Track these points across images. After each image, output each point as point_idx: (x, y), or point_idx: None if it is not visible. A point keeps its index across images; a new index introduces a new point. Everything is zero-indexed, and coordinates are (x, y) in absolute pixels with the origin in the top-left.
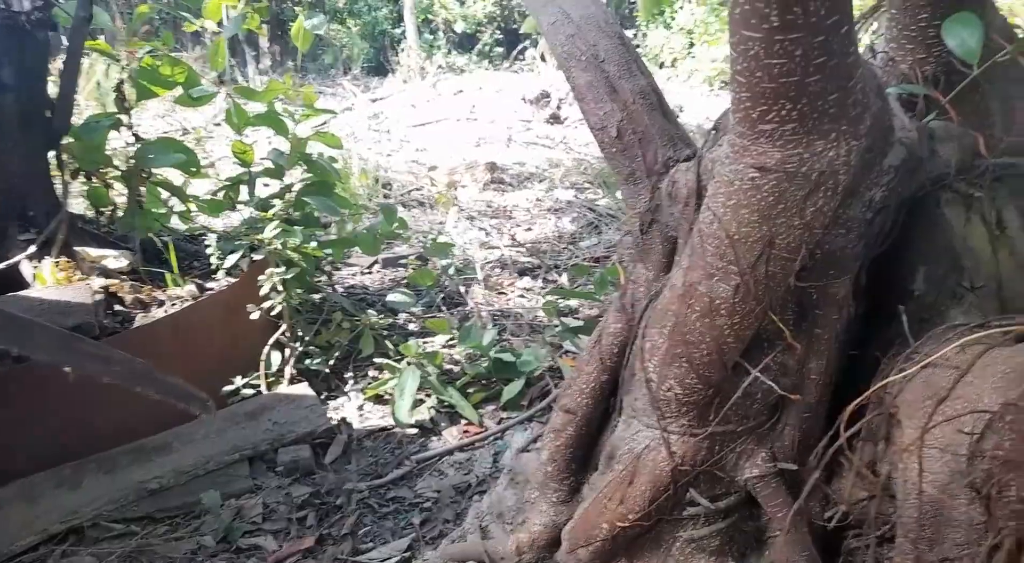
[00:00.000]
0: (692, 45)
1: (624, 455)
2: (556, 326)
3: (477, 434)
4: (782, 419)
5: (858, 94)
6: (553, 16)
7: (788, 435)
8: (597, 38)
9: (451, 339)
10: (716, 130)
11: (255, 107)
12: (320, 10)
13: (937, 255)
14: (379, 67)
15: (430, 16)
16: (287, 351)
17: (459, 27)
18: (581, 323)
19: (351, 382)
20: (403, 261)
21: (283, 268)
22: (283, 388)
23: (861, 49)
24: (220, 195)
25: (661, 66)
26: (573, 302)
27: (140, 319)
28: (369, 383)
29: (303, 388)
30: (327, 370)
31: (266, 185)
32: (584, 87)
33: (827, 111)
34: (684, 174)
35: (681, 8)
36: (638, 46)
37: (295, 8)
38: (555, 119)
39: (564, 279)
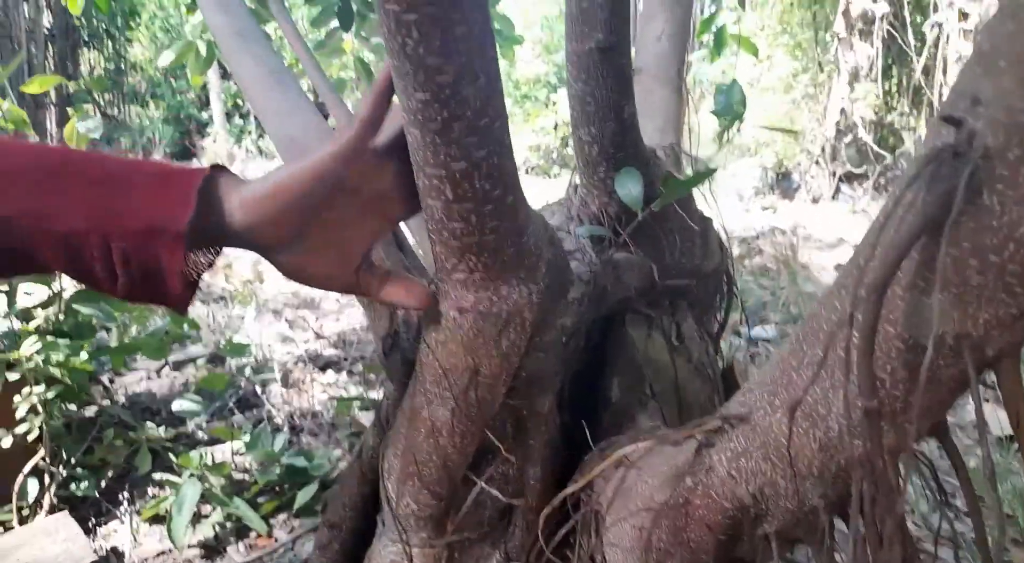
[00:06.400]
0: None
1: None
2: (350, 425)
3: (265, 547)
4: (512, 523)
5: (531, 247)
6: (284, 144)
7: (518, 536)
8: None
9: (242, 446)
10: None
11: None
12: (119, 91)
13: (626, 367)
14: (184, 151)
15: (240, 101)
16: (47, 477)
17: None
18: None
19: (126, 504)
20: (196, 362)
21: (43, 387)
22: (39, 520)
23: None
24: None
25: None
26: (374, 394)
27: None
28: (148, 503)
29: (62, 518)
30: (97, 493)
31: (28, 294)
32: None
33: (506, 262)
34: None
35: None
36: None
37: (91, 82)
38: None
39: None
